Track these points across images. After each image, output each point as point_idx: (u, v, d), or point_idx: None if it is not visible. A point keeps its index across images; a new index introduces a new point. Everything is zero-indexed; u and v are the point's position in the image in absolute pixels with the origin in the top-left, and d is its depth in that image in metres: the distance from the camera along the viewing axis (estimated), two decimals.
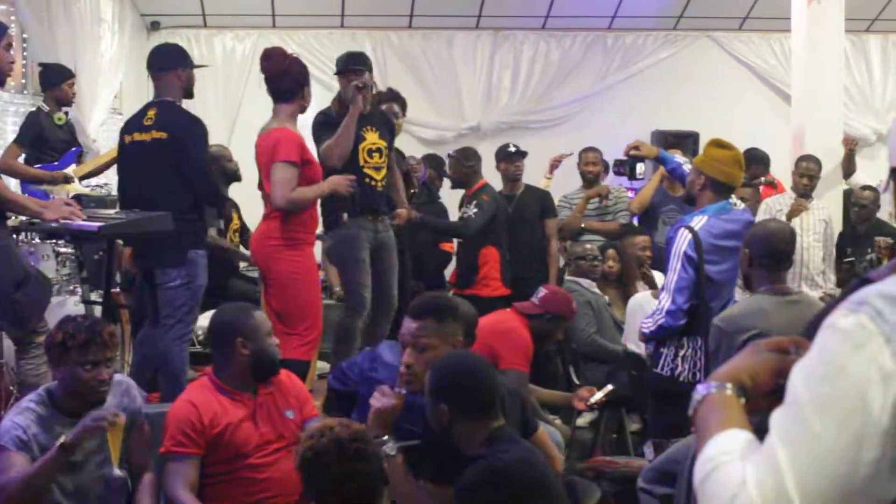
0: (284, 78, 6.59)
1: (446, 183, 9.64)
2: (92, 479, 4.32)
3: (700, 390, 1.97)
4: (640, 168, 7.41)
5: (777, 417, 1.71)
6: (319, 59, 12.67)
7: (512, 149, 9.17)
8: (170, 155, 6.34)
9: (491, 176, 9.20)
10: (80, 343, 4.19)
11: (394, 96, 8.40)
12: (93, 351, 4.20)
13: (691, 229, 5.63)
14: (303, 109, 6.81)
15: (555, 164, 10.16)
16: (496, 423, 3.99)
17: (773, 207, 9.17)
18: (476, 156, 8.90)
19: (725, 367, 2.03)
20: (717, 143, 5.90)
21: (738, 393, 1.94)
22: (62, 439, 4.05)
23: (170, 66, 6.60)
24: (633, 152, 6.70)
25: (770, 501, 1.62)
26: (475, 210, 8.53)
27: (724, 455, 1.76)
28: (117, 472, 4.26)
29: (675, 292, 5.67)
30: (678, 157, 6.92)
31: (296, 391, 4.81)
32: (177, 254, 6.31)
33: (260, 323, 4.69)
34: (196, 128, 6.52)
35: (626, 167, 7.34)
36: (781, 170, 10.19)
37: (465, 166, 8.79)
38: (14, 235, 6.41)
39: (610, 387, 6.43)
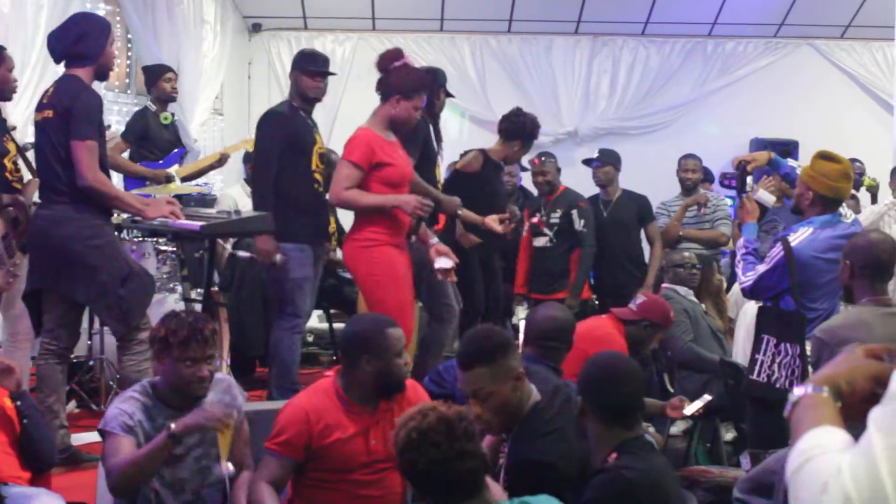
0: (386, 78, 6.42)
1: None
2: (190, 473, 4.37)
3: (797, 392, 2.00)
4: (749, 181, 7.26)
5: (876, 411, 1.75)
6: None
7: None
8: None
9: (586, 182, 9.15)
10: (181, 339, 4.23)
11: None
12: (193, 348, 4.24)
13: (787, 245, 5.56)
14: None
15: None
16: (630, 434, 3.87)
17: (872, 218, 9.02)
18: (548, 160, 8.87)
19: (823, 371, 2.05)
20: (824, 156, 5.73)
21: (835, 397, 1.96)
22: (172, 427, 4.08)
23: (292, 67, 6.93)
24: (748, 167, 6.51)
25: (863, 485, 1.65)
26: (583, 222, 8.44)
27: (818, 448, 1.79)
28: (227, 467, 4.28)
29: (763, 278, 5.65)
30: (790, 161, 6.79)
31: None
32: None
33: (392, 342, 4.44)
34: (264, 124, 6.81)
35: (735, 180, 7.17)
36: (884, 181, 10.03)
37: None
38: (116, 232, 6.51)
39: (707, 397, 6.36)
